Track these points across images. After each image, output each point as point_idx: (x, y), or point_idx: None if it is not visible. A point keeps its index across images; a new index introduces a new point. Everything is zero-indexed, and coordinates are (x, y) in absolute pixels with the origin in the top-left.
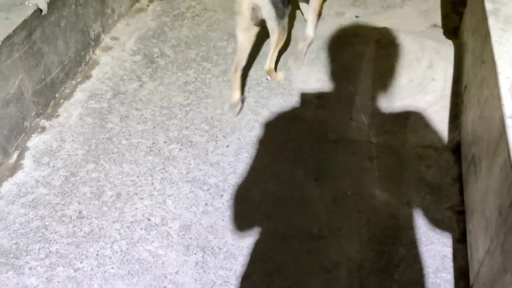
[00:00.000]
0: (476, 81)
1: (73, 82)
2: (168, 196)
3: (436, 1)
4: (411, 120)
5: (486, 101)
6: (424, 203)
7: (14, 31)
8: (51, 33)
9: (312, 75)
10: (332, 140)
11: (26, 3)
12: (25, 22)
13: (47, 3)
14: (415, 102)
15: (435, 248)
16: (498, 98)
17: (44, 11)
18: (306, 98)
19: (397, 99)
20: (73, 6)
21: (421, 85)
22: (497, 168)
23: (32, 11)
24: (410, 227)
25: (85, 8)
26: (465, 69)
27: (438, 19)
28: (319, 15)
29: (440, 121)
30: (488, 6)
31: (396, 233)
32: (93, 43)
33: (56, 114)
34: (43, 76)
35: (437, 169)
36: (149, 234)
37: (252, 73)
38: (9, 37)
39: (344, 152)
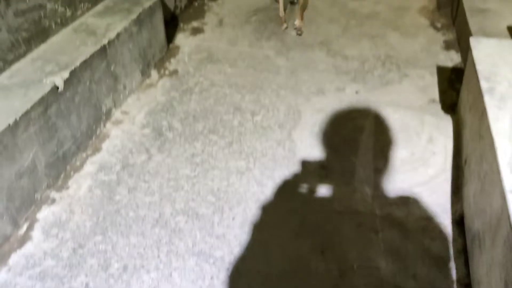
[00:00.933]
0: (476, 156)
1: (84, 155)
2: (174, 269)
3: (433, 78)
4: (414, 192)
5: (486, 175)
6: (430, 275)
7: (32, 107)
8: (66, 108)
9: (315, 147)
10: (337, 211)
11: (44, 81)
12: (42, 98)
13: (64, 80)
14: (417, 175)
15: None
16: (498, 172)
17: (61, 89)
18: (310, 169)
19: (400, 171)
20: (88, 82)
21: (422, 159)
22: (501, 241)
23: (49, 89)
24: None
25: (99, 85)
26: (464, 144)
27: (436, 95)
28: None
29: (442, 193)
30: (484, 84)
31: None
32: (104, 117)
33: (66, 186)
34: (55, 149)
35: (442, 242)
36: None
37: (257, 144)
38: (26, 113)
39: (349, 224)
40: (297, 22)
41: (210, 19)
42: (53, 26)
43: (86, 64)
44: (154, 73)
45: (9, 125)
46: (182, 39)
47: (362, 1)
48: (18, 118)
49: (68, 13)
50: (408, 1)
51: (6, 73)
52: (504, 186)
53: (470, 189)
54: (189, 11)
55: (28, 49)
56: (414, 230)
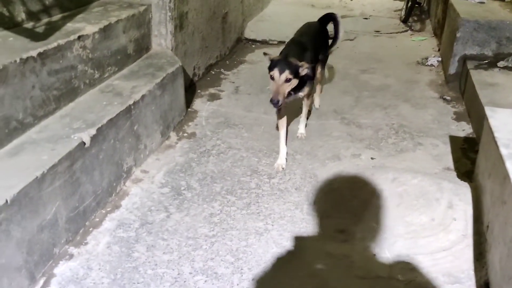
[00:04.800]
0: (499, 221)
1: (103, 211)
2: None
3: (446, 147)
4: (436, 258)
5: None
6: None
7: (59, 161)
8: (90, 164)
9: (334, 211)
10: (358, 276)
11: (72, 136)
12: (69, 153)
13: (90, 137)
14: (438, 241)
15: None
16: None
17: (87, 144)
18: (329, 233)
19: (420, 237)
20: (112, 141)
21: (443, 224)
22: None
23: (76, 144)
24: None
25: (122, 143)
26: (485, 210)
27: (450, 163)
28: (310, 109)
29: (465, 260)
30: (504, 151)
31: None
32: (124, 175)
33: (85, 241)
34: (77, 205)
35: None
36: None
37: (275, 206)
38: (53, 166)
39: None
40: (316, 102)
41: (226, 86)
42: (82, 86)
43: (112, 122)
44: (173, 135)
45: (37, 177)
46: (200, 104)
47: (373, 74)
48: (45, 171)
49: (97, 75)
50: (417, 75)
51: (35, 128)
52: None
53: (495, 255)
54: (206, 79)
55: (57, 107)
56: None
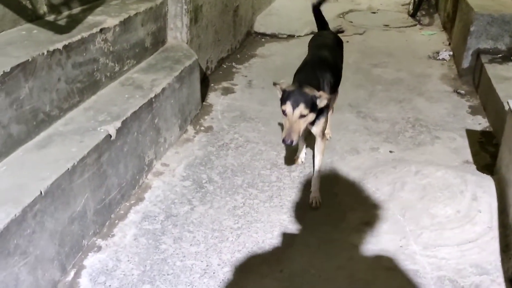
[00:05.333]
0: None
1: (127, 204)
2: None
3: (463, 140)
4: (462, 249)
5: None
6: None
7: (88, 153)
8: (116, 157)
9: (357, 203)
10: (385, 267)
11: (98, 129)
12: (97, 146)
13: (116, 130)
14: (464, 233)
15: None
16: None
17: (113, 137)
18: (354, 225)
19: (446, 228)
20: (135, 133)
21: (468, 216)
22: None
23: (103, 136)
24: None
25: (144, 136)
26: (510, 202)
27: (469, 157)
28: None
29: (492, 251)
30: None
31: None
32: (146, 168)
33: (112, 234)
34: (103, 197)
35: None
36: None
37: (297, 199)
38: (83, 159)
39: (399, 281)
40: (327, 133)
41: (239, 80)
42: (103, 79)
43: (135, 115)
44: (190, 129)
45: (68, 169)
46: (214, 98)
47: (385, 68)
48: (75, 163)
49: (117, 68)
50: (429, 69)
51: (61, 121)
52: None
53: None
54: (218, 72)
55: (81, 99)
56: (468, 286)
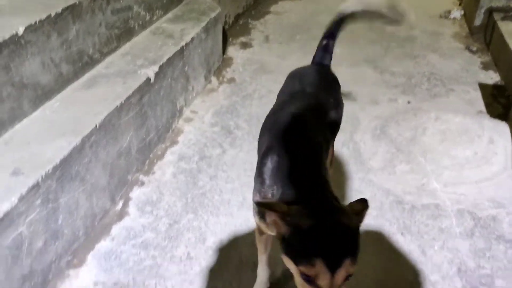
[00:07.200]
0: None
1: (163, 146)
2: None
3: (477, 93)
4: (480, 186)
5: None
6: (508, 255)
7: (132, 93)
8: (154, 99)
9: (379, 148)
10: (407, 202)
11: (138, 72)
12: (139, 87)
13: (154, 73)
14: (482, 172)
15: None
16: None
17: (152, 80)
18: (378, 166)
19: (465, 168)
20: (169, 79)
21: (485, 158)
22: None
23: (144, 79)
24: None
25: (176, 82)
26: None
27: (482, 107)
28: None
29: (507, 189)
30: None
31: None
32: (178, 114)
33: (152, 171)
34: (144, 136)
35: (510, 227)
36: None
37: None
38: (128, 98)
39: (423, 215)
40: None
41: (256, 35)
42: (136, 27)
43: (169, 61)
44: (214, 79)
45: (117, 106)
46: (233, 51)
47: (397, 26)
48: (123, 101)
49: (148, 17)
50: (441, 27)
51: (102, 64)
52: None
53: None
54: (236, 28)
55: (118, 45)
56: (485, 218)
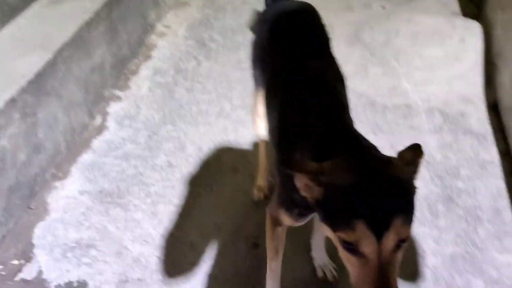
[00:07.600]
0: (510, 45)
1: (137, 61)
2: (247, 149)
3: None
4: (450, 84)
5: None
6: (474, 147)
7: (101, 7)
8: (123, 14)
9: (352, 54)
10: (378, 103)
11: None
12: (108, 1)
13: None
14: (453, 70)
15: None
16: None
17: None
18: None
19: (436, 67)
20: None
21: (456, 56)
22: None
23: None
24: None
25: None
26: (495, 40)
27: (457, 8)
28: None
29: (476, 85)
30: None
31: None
32: (150, 28)
33: (128, 86)
34: (116, 51)
35: (480, 122)
36: (237, 178)
37: None
38: (97, 12)
39: (395, 115)
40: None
41: None
42: None
43: None
44: None
45: (86, 21)
46: None
47: None
48: (92, 16)
49: None
50: None
51: None
52: None
53: (505, 75)
54: None
55: None
56: (454, 114)
